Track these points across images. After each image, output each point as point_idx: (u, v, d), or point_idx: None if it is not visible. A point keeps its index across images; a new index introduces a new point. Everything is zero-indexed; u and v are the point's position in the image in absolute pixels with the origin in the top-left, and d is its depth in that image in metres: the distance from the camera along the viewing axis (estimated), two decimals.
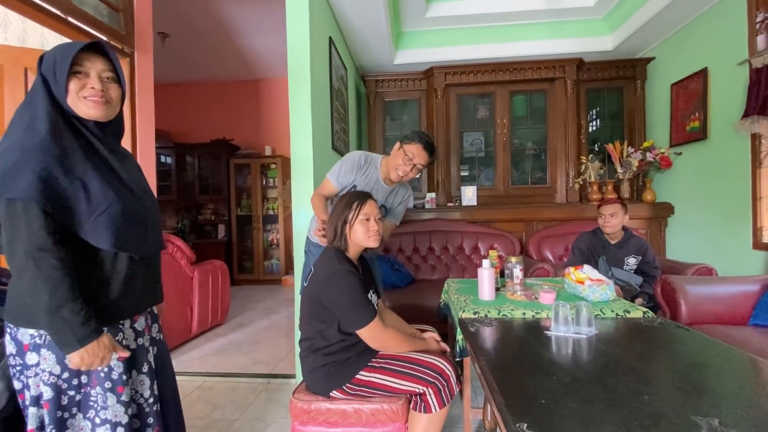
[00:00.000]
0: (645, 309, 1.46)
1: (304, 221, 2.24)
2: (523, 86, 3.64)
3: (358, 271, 1.36)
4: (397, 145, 1.74)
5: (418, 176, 1.66)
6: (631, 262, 2.25)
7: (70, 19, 1.92)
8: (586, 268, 1.66)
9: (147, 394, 1.01)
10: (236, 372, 2.39)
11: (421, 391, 1.29)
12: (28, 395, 0.90)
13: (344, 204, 1.39)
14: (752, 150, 2.47)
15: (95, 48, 0.93)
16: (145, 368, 1.02)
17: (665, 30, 3.15)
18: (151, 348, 1.05)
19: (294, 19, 2.23)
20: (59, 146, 0.86)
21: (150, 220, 1.02)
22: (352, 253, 1.41)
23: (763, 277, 2.04)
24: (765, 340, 1.70)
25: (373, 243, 1.37)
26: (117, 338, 0.95)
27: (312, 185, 2.26)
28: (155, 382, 1.04)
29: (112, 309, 0.94)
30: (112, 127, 1.01)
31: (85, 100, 0.91)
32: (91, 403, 0.92)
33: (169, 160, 5.32)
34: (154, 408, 1.02)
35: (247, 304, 4.18)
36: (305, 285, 1.41)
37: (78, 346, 0.83)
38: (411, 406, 1.32)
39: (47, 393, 0.88)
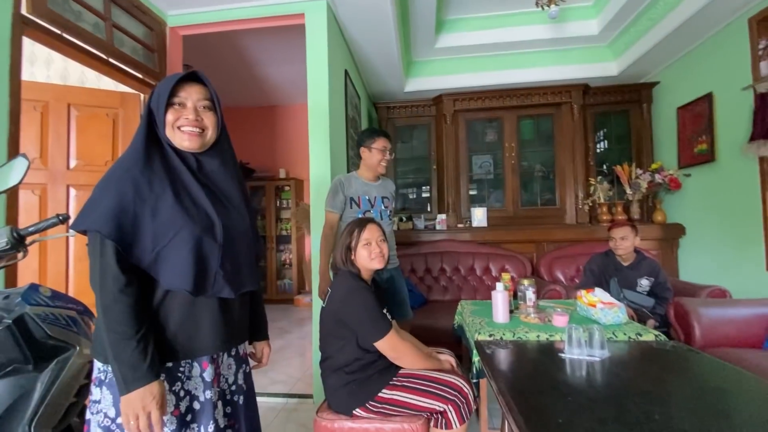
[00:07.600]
0: (657, 332, 1.49)
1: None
2: (530, 111, 3.75)
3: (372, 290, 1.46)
4: (365, 149, 1.99)
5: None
6: (644, 283, 2.28)
7: (111, 60, 2.09)
8: (598, 291, 1.70)
9: None
10: (255, 391, 2.43)
11: (442, 409, 1.34)
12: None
13: (347, 232, 1.51)
14: (761, 173, 2.51)
15: (192, 77, 0.93)
16: (211, 428, 0.88)
17: (669, 56, 3.25)
18: (220, 402, 0.93)
19: (314, 59, 2.40)
20: (145, 173, 0.84)
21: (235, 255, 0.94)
22: (365, 275, 1.50)
23: None
24: None
25: (377, 264, 1.46)
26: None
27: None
28: None
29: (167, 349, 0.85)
30: (212, 155, 0.98)
31: (179, 131, 0.90)
32: None
33: None
34: None
35: None
36: (323, 306, 1.49)
37: (124, 390, 0.76)
38: (432, 423, 1.38)
39: None
